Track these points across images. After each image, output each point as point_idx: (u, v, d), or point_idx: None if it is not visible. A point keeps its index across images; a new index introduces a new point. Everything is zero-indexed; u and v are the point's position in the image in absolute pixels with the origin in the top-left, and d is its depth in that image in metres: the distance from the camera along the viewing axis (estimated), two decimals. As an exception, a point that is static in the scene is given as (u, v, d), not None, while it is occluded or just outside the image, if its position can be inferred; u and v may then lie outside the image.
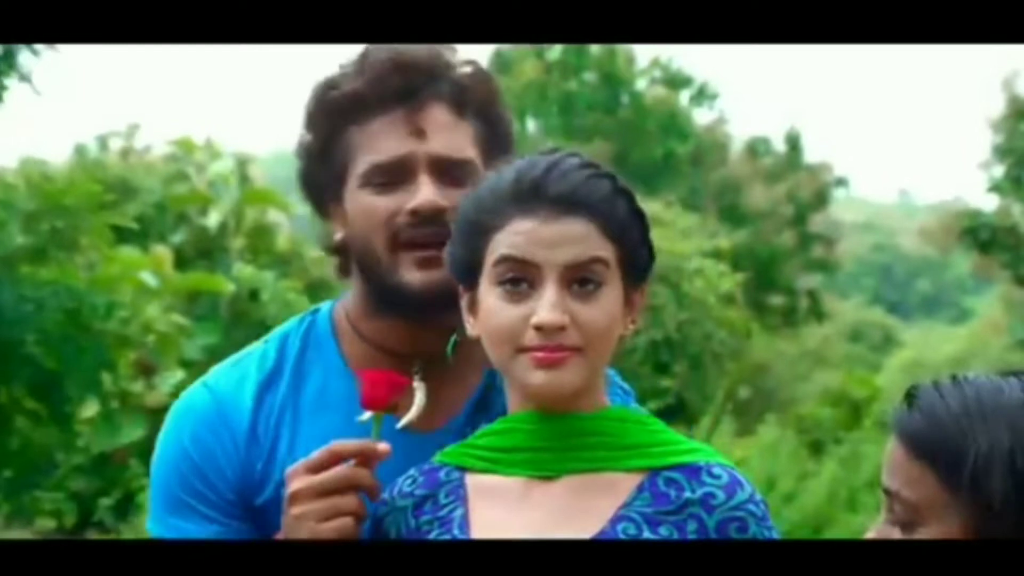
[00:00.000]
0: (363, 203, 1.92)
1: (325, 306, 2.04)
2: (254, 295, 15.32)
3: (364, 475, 1.81)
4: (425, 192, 1.89)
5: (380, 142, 1.91)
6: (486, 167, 1.92)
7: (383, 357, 1.96)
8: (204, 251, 16.96)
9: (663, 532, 1.75)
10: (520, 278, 1.78)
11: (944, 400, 1.63)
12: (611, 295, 1.80)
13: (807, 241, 29.01)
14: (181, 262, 16.18)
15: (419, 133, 1.91)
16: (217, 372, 2.00)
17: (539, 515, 1.79)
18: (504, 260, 1.79)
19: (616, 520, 1.76)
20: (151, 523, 1.96)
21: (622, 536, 1.75)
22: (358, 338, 1.98)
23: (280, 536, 1.82)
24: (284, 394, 1.95)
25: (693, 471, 1.78)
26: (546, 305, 1.76)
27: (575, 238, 1.78)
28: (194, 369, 13.82)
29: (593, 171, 1.83)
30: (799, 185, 28.98)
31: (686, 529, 1.75)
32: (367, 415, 1.84)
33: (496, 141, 1.97)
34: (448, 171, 1.92)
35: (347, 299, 2.03)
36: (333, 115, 1.94)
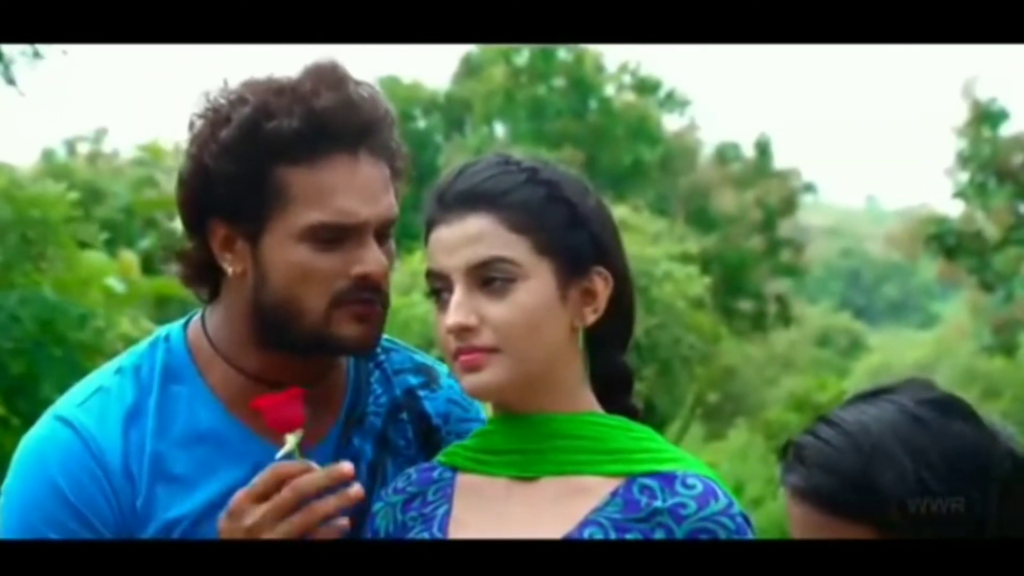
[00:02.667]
0: (300, 258, 1.81)
1: (175, 333, 1.93)
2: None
3: (312, 483, 1.77)
4: (375, 258, 1.82)
5: (328, 198, 1.80)
6: None
7: (257, 387, 1.87)
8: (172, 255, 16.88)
9: (629, 540, 1.72)
10: (441, 288, 1.78)
11: (831, 446, 1.57)
12: (530, 289, 1.75)
13: (775, 246, 29.13)
14: (149, 267, 16.12)
15: (370, 195, 1.82)
16: (70, 407, 1.88)
17: (514, 517, 1.78)
18: (427, 274, 1.80)
19: (584, 525, 1.74)
20: None
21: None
22: (230, 368, 1.89)
23: None
24: (152, 430, 1.86)
25: (668, 480, 1.75)
26: (451, 309, 1.75)
27: (473, 237, 1.75)
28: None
29: (505, 167, 1.79)
30: (768, 190, 29.10)
31: (653, 538, 1.72)
32: (290, 440, 1.79)
33: (399, 193, 1.89)
34: (385, 231, 1.85)
35: (211, 326, 1.92)
36: (262, 149, 1.80)
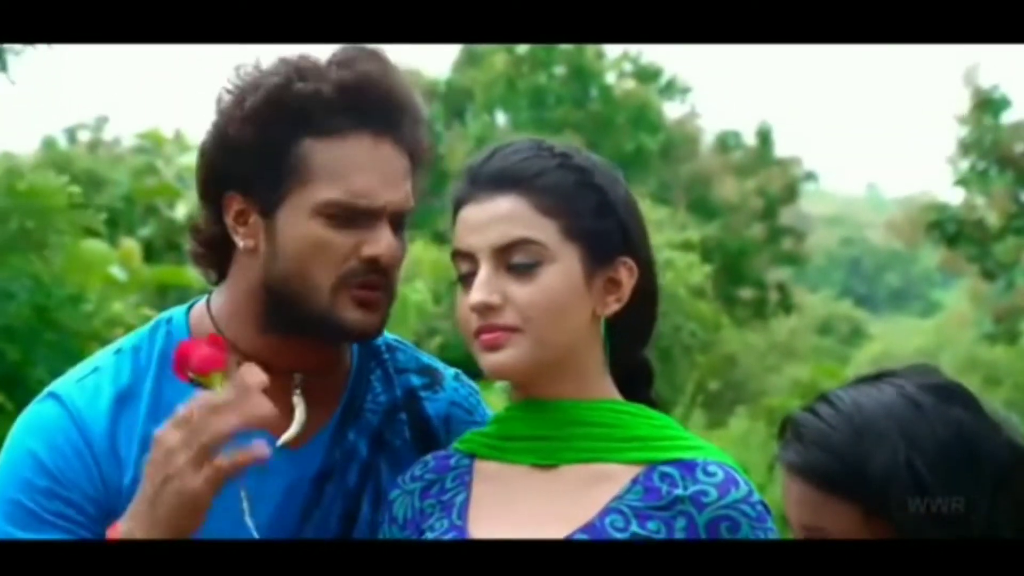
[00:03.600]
0: (313, 233, 1.80)
1: (178, 316, 1.92)
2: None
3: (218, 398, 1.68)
4: (387, 242, 1.81)
5: (349, 176, 1.79)
6: None
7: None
8: (173, 244, 16.89)
9: (651, 527, 1.72)
10: (467, 267, 1.78)
11: (829, 425, 1.57)
12: (555, 272, 1.75)
13: (776, 234, 29.11)
14: (150, 255, 16.11)
15: (390, 180, 1.82)
16: (65, 385, 1.88)
17: (535, 504, 1.77)
18: (453, 254, 1.80)
19: (605, 512, 1.74)
20: None
21: (609, 529, 1.72)
22: (231, 352, 1.83)
23: (141, 510, 1.67)
24: (145, 413, 1.84)
25: (689, 467, 1.75)
26: (475, 287, 1.75)
27: (501, 217, 1.75)
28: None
29: (539, 151, 1.79)
30: (769, 179, 29.06)
31: (675, 525, 1.72)
32: (216, 380, 1.69)
33: (417, 192, 1.88)
34: (399, 219, 1.84)
35: (215, 308, 1.90)
36: (288, 117, 1.79)
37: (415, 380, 1.98)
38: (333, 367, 1.92)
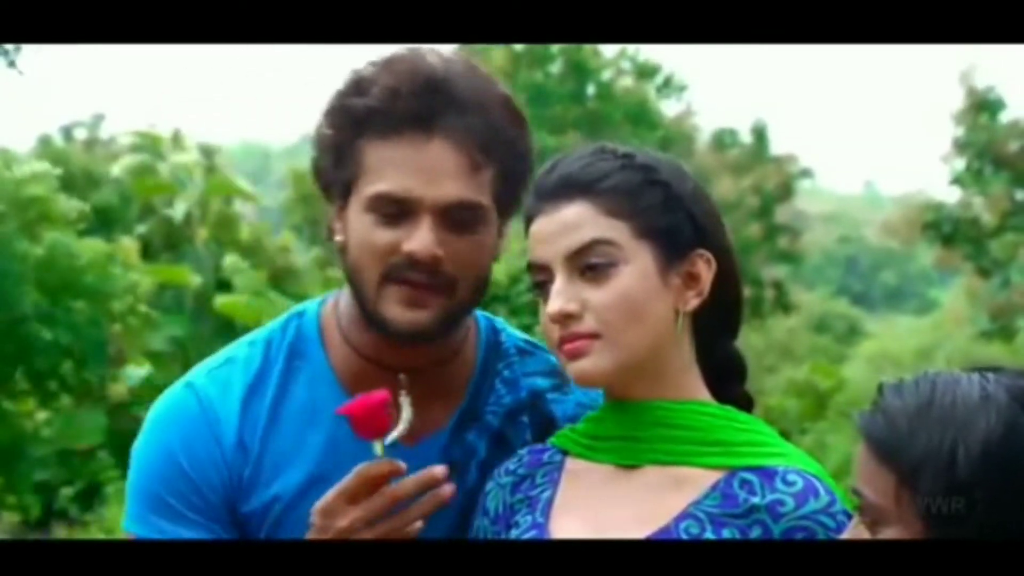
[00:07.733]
0: (363, 228, 1.85)
1: (311, 309, 1.98)
2: (223, 286, 15.31)
3: (405, 490, 1.79)
4: (423, 238, 1.82)
5: (390, 171, 1.84)
6: (500, 210, 1.88)
7: (372, 369, 1.91)
8: (170, 242, 16.88)
9: (725, 535, 1.70)
10: (543, 279, 1.77)
11: (902, 398, 1.55)
12: (630, 273, 1.74)
13: (773, 232, 29.11)
14: (147, 253, 16.11)
15: (432, 176, 1.83)
16: (201, 375, 1.94)
17: (615, 506, 1.76)
18: (528, 267, 1.79)
19: (681, 517, 1.72)
20: (130, 523, 1.91)
21: (683, 534, 1.70)
22: (348, 348, 1.93)
23: None
24: (270, 403, 1.91)
25: (769, 475, 1.72)
26: (552, 296, 1.74)
27: (570, 225, 1.75)
28: (160, 361, 13.81)
29: (601, 155, 1.79)
30: (765, 176, 29.07)
31: (750, 535, 1.69)
32: (377, 447, 1.78)
33: (513, 181, 1.87)
34: (452, 216, 1.84)
35: (338, 304, 1.97)
36: (348, 121, 1.87)
37: (542, 383, 1.99)
38: (440, 366, 1.94)
